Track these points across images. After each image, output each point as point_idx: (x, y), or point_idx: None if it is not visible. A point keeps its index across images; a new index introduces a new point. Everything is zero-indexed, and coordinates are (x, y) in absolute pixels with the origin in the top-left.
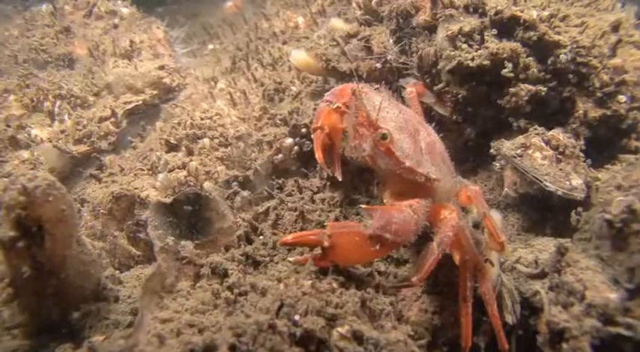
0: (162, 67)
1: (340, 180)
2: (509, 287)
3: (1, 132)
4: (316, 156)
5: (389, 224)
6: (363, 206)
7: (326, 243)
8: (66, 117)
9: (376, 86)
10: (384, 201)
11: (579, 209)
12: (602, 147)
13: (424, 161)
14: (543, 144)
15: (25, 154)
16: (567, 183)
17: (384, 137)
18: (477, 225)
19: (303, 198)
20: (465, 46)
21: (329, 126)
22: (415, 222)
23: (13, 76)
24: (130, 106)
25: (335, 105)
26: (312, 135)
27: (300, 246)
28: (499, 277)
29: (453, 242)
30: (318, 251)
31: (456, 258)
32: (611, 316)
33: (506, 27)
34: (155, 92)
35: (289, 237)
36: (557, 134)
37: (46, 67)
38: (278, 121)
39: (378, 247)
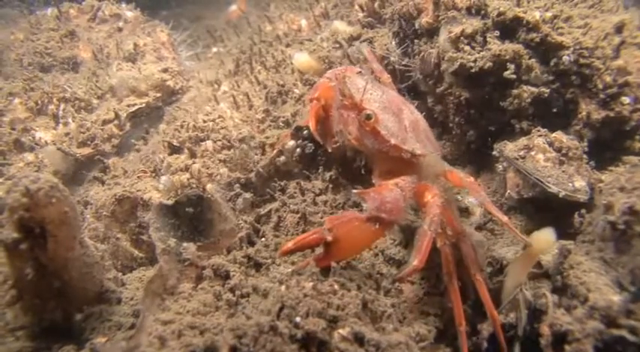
0: (165, 70)
1: (330, 151)
2: (528, 298)
3: (6, 135)
4: (310, 124)
5: (383, 204)
6: (354, 190)
7: (329, 238)
8: (70, 120)
9: (358, 70)
10: (373, 181)
11: (582, 211)
12: (605, 148)
13: (409, 138)
14: (546, 146)
15: (29, 157)
16: (570, 184)
17: (368, 117)
18: (479, 228)
19: (305, 201)
20: (467, 47)
21: (325, 100)
22: (404, 198)
23: (18, 79)
24: (133, 109)
25: (334, 83)
26: (309, 106)
27: (303, 249)
28: (521, 286)
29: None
30: (320, 250)
31: (438, 242)
32: (615, 318)
33: (509, 28)
34: (158, 95)
35: (290, 244)
36: (560, 136)
37: (50, 70)
38: (281, 124)
39: (377, 226)
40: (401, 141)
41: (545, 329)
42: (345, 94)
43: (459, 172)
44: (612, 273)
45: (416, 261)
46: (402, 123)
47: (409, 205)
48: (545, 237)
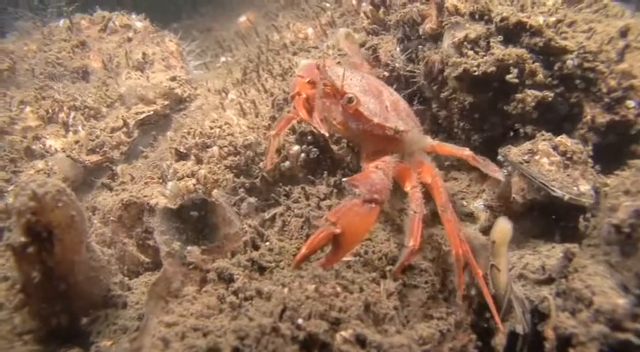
0: (173, 78)
1: (324, 133)
2: (519, 296)
3: (17, 143)
4: (300, 114)
5: (373, 185)
6: (344, 179)
7: (338, 230)
8: (80, 127)
9: (338, 60)
10: (361, 164)
11: (587, 215)
12: (610, 152)
13: (391, 117)
14: (551, 150)
15: (39, 164)
16: (575, 188)
17: (350, 100)
18: (484, 232)
19: (309, 205)
20: (470, 52)
21: (306, 94)
22: (387, 177)
23: (30, 88)
24: (141, 117)
25: (307, 80)
26: (293, 102)
27: (315, 250)
28: (508, 285)
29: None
30: (328, 249)
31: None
32: (620, 322)
33: (512, 33)
34: (166, 102)
35: (303, 250)
36: (565, 140)
37: (62, 80)
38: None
39: (373, 206)
40: (384, 120)
41: (549, 333)
42: (326, 82)
43: (447, 144)
44: (617, 277)
45: (411, 242)
46: (382, 103)
47: (391, 184)
48: (500, 227)
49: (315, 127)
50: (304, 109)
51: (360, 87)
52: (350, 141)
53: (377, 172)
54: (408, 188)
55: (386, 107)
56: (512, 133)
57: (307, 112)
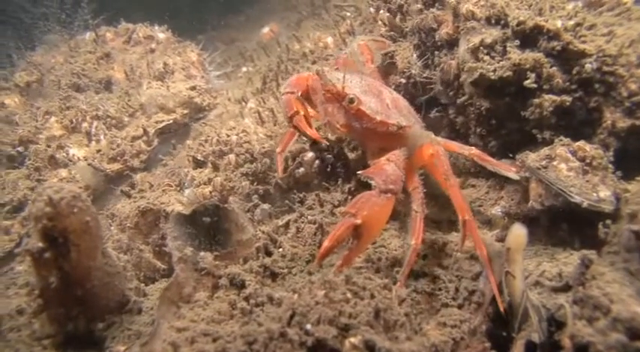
0: (193, 88)
1: (325, 143)
2: (535, 303)
3: (42, 152)
4: (308, 133)
5: (388, 176)
6: (359, 172)
7: (358, 220)
8: (102, 137)
9: (335, 66)
10: (368, 162)
11: (607, 221)
12: (632, 158)
13: (392, 114)
14: (569, 156)
15: (63, 173)
16: (594, 194)
17: (351, 101)
18: (500, 240)
19: (323, 212)
20: (486, 57)
21: (303, 110)
22: (399, 169)
23: (55, 99)
24: (161, 125)
25: (299, 94)
26: (294, 120)
27: (338, 244)
28: (524, 293)
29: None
30: (350, 242)
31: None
32: (639, 330)
33: (530, 37)
34: (186, 111)
35: (325, 244)
36: (584, 145)
37: (86, 90)
38: (303, 138)
39: (389, 196)
40: (386, 117)
41: (566, 341)
42: (327, 86)
43: (452, 142)
44: (637, 284)
45: (413, 240)
46: (383, 102)
47: (403, 175)
48: (515, 234)
49: (325, 143)
50: (309, 128)
51: (360, 88)
52: (355, 142)
53: (390, 164)
54: (410, 188)
55: (387, 105)
56: (529, 139)
57: (310, 126)
